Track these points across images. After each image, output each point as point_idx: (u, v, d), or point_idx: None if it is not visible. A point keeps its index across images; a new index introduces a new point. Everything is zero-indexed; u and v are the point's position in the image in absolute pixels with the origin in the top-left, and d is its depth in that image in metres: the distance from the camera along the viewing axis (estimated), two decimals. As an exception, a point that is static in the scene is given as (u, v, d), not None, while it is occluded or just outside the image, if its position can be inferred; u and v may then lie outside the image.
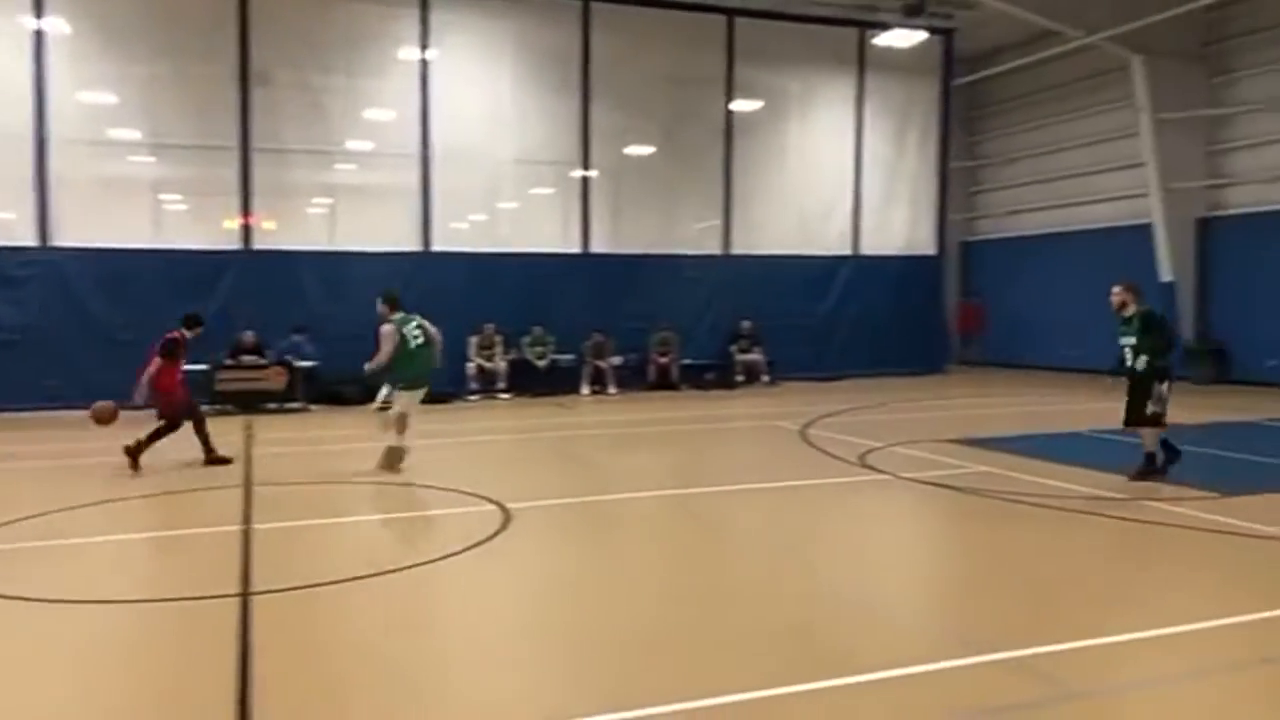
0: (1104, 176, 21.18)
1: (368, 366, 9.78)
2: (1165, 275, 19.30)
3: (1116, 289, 9.24)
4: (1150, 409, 8.98)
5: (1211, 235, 19.32)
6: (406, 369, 9.68)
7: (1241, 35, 18.75)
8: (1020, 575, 6.35)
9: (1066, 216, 22.19)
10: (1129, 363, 9.07)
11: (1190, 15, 18.49)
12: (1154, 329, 9.03)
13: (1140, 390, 8.99)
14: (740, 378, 19.07)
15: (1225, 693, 4.38)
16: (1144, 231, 19.58)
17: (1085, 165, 21.76)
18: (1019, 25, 19.40)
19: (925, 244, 21.77)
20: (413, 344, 9.65)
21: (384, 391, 10.60)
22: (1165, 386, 9.00)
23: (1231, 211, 18.94)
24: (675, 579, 6.26)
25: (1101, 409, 14.30)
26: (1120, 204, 20.60)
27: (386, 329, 9.61)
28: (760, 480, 9.48)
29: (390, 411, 9.81)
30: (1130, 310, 9.15)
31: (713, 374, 18.99)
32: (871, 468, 9.83)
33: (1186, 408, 14.77)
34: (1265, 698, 4.34)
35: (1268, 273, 17.38)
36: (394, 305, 9.83)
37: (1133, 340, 9.05)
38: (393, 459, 9.53)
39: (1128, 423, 9.20)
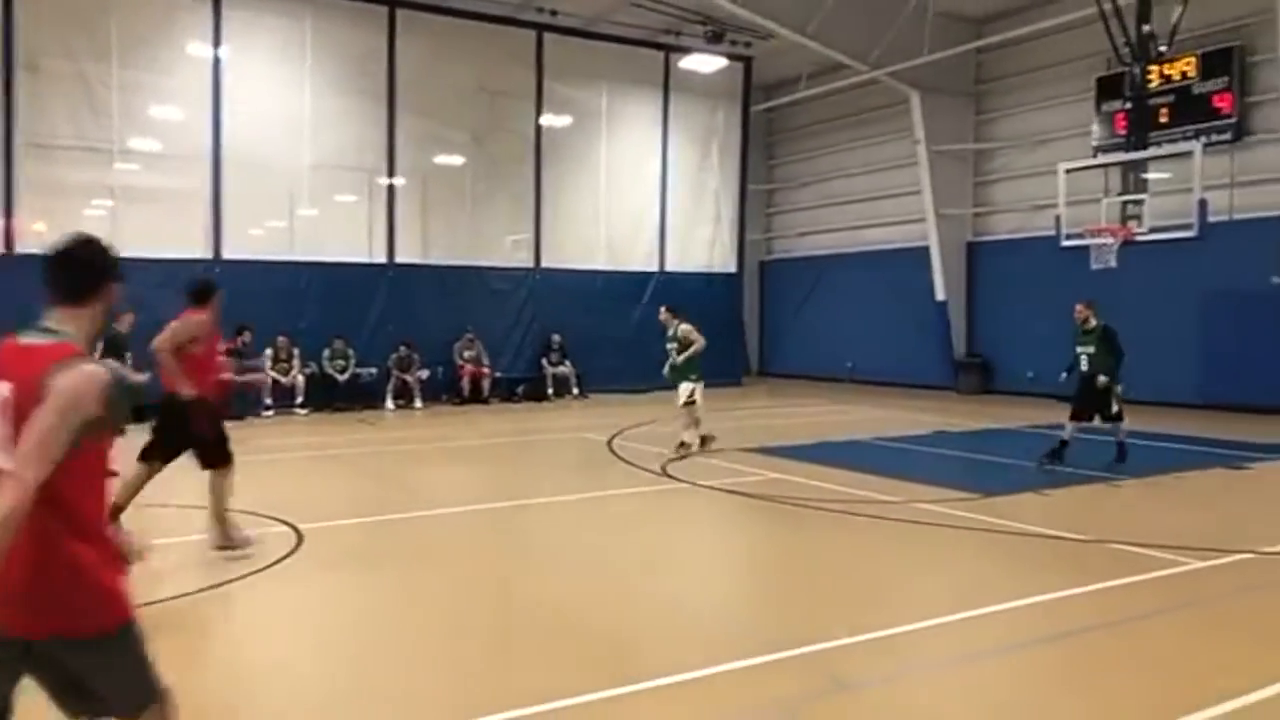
0: (887, 202, 22.80)
1: None
2: (940, 295, 21.00)
3: (1080, 305, 10.71)
4: (1115, 407, 10.48)
5: (978, 258, 21.20)
6: None
7: (1002, 78, 20.71)
8: (809, 576, 6.77)
9: (854, 238, 23.71)
10: (1085, 367, 10.56)
11: (962, 57, 20.28)
12: (1110, 340, 10.46)
13: (1101, 394, 10.38)
14: (551, 391, 19.20)
15: (990, 674, 4.86)
16: (922, 254, 21.23)
17: (870, 191, 23.35)
18: (813, 57, 20.62)
19: (726, 261, 22.70)
20: None
21: None
22: (1119, 388, 10.55)
23: (995, 237, 20.85)
24: (476, 594, 6.26)
25: (881, 417, 15.37)
26: (901, 228, 22.24)
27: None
28: (566, 492, 9.62)
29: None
30: (1092, 324, 10.56)
31: (524, 387, 19.04)
32: (673, 477, 10.17)
33: (957, 415, 16.17)
34: (1025, 677, 4.85)
35: (1025, 293, 19.21)
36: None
37: (1091, 349, 10.49)
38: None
39: (1073, 417, 10.65)
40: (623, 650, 5.08)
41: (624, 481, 10.10)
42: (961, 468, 11.63)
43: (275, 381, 16.24)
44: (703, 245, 22.55)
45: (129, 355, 10.06)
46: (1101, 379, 10.37)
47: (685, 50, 21.03)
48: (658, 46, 21.22)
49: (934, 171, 20.73)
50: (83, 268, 2.84)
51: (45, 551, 2.54)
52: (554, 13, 19.21)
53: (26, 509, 2.43)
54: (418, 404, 17.36)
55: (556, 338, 19.53)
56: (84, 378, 2.57)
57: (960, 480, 10.06)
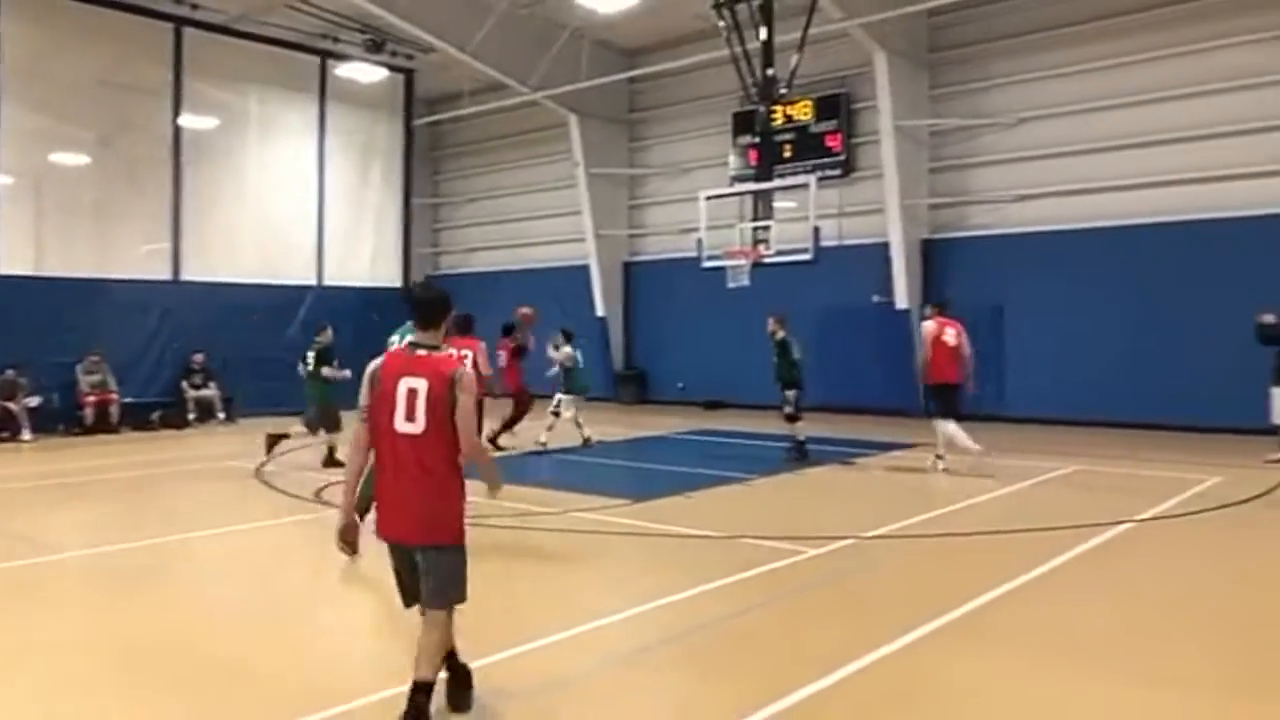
0: (551, 220, 23.46)
1: None
2: (600, 311, 21.95)
3: (771, 319, 12.45)
4: (788, 410, 12.35)
5: (634, 277, 22.43)
6: None
7: (653, 108, 22.09)
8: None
9: (521, 255, 24.14)
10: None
11: (617, 86, 21.40)
12: (785, 351, 12.38)
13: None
14: (193, 416, 17.65)
15: (645, 671, 5.12)
16: (584, 271, 22.07)
17: (536, 209, 23.91)
18: (475, 74, 20.77)
19: (390, 276, 22.19)
20: None
21: None
22: (794, 394, 12.39)
23: (649, 257, 22.17)
24: (101, 645, 5.60)
25: (538, 428, 15.70)
26: (565, 246, 22.98)
27: None
28: (201, 528, 8.87)
29: None
30: (779, 336, 12.38)
31: (161, 413, 17.33)
32: (327, 503, 9.73)
33: (616, 424, 16.95)
34: (677, 671, 5.16)
35: (676, 310, 20.61)
36: None
37: (775, 359, 12.48)
38: None
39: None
40: (260, 688, 4.78)
41: (274, 512, 9.52)
42: (617, 475, 12.22)
43: None
44: (365, 259, 21.91)
45: None
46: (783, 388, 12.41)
47: (343, 57, 20.36)
48: (313, 51, 20.34)
49: (593, 193, 21.66)
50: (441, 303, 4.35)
51: (440, 487, 4.21)
52: (194, 6, 17.80)
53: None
54: (26, 435, 15.21)
55: (199, 357, 18.00)
56: (472, 377, 4.20)
57: (616, 488, 10.57)
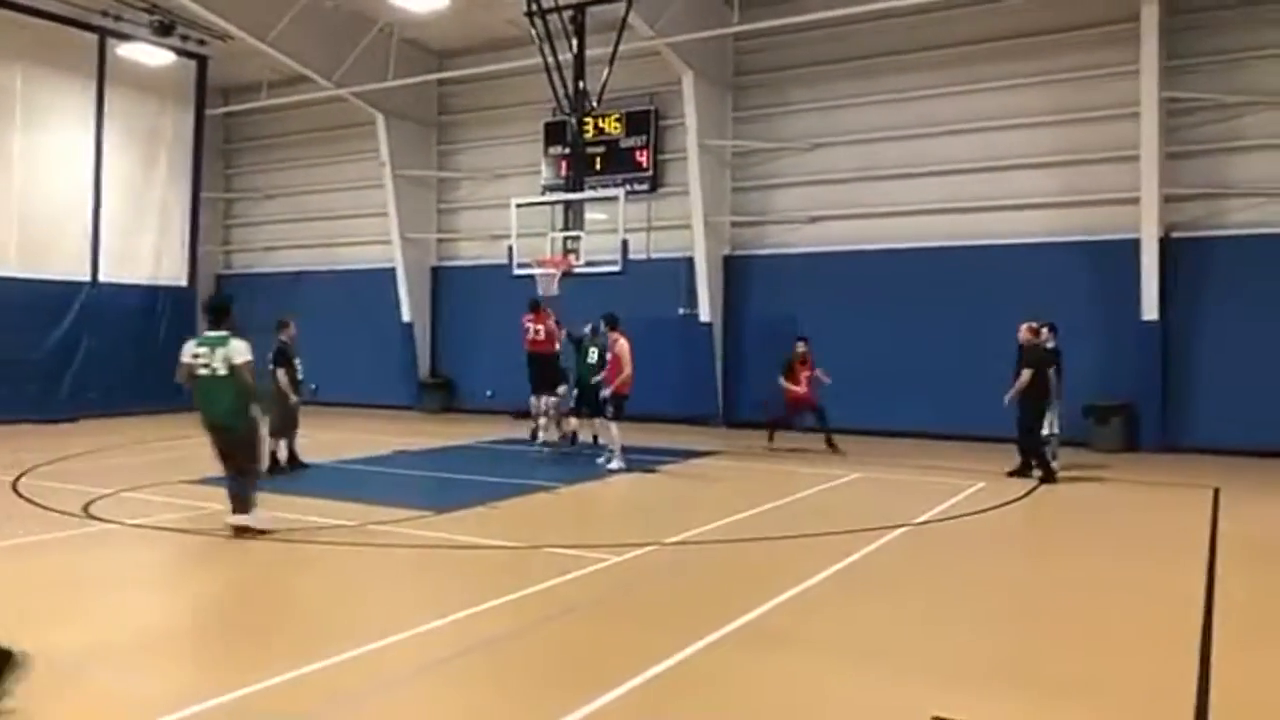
0: (355, 221, 22.68)
1: None
2: (406, 316, 21.40)
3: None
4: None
5: (442, 282, 22.01)
6: None
7: (463, 112, 21.80)
8: (250, 613, 6.40)
9: (324, 256, 23.19)
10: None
11: (425, 87, 20.98)
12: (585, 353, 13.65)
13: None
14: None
15: (434, 688, 4.98)
16: (390, 275, 21.46)
17: (340, 209, 23.04)
18: (275, 65, 19.79)
19: (175, 274, 20.75)
20: None
21: None
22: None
23: (458, 263, 21.84)
24: None
25: (343, 439, 15.17)
26: (371, 248, 22.27)
27: None
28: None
29: None
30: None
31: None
32: (96, 517, 8.98)
33: (419, 434, 16.57)
34: (468, 686, 5.04)
35: (484, 317, 20.37)
36: None
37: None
38: None
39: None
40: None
41: (33, 528, 8.67)
42: (418, 486, 11.94)
43: None
44: (147, 255, 20.37)
45: None
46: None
47: (125, 37, 18.90)
48: (90, 28, 18.77)
49: (400, 195, 21.12)
50: None
51: None
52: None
53: None
54: None
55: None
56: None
57: (416, 499, 10.32)
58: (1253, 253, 14.59)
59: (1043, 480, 11.75)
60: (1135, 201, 14.88)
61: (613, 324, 12.99)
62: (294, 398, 11.51)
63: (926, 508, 9.97)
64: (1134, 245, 14.90)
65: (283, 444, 11.64)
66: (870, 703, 4.81)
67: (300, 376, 11.73)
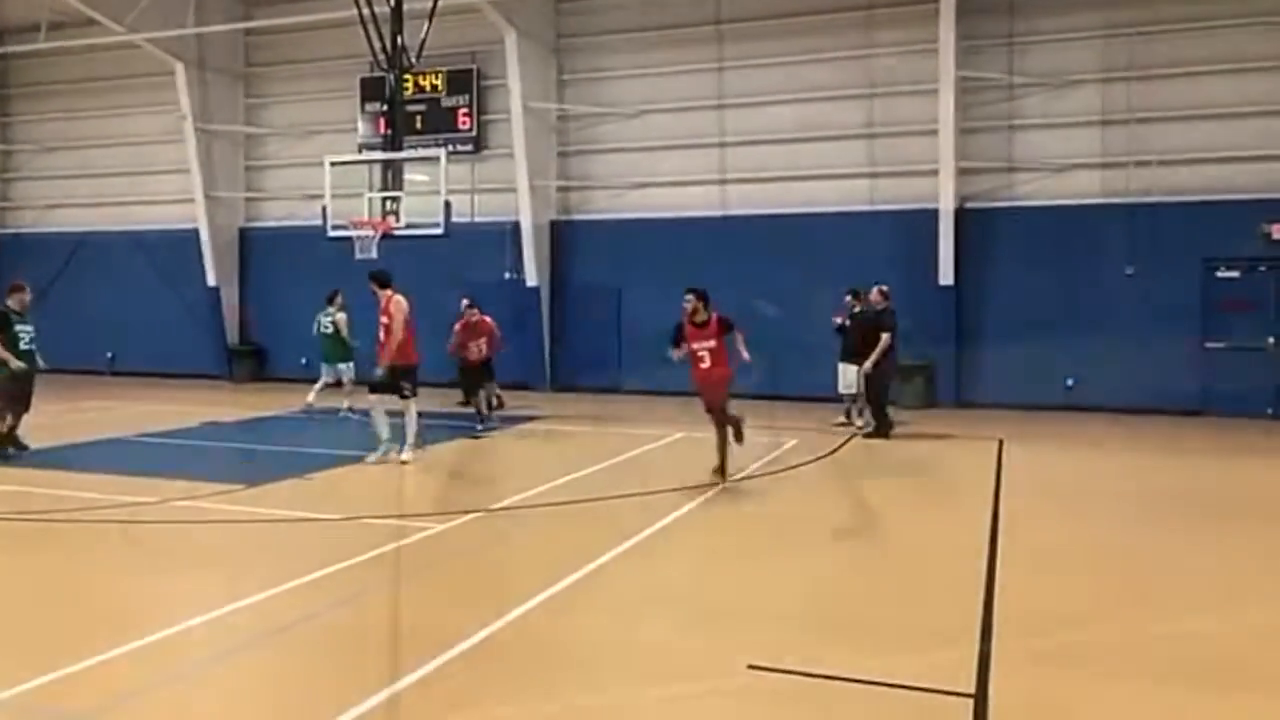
0: (153, 178, 21.10)
1: None
2: (211, 280, 20.19)
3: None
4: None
5: (251, 245, 20.86)
6: None
7: (273, 64, 20.61)
8: (40, 604, 5.94)
9: (117, 215, 21.46)
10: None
11: (231, 36, 19.69)
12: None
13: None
14: None
15: (241, 671, 4.78)
16: (193, 236, 20.15)
17: (135, 165, 21.33)
18: (56, 5, 18.03)
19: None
20: None
21: None
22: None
23: (268, 224, 20.72)
24: None
25: (146, 411, 14.28)
26: (171, 208, 20.80)
27: None
28: None
29: None
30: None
31: None
32: None
33: (229, 405, 15.77)
34: (280, 666, 4.87)
35: (298, 281, 19.40)
36: None
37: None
38: None
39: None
40: None
41: None
42: (229, 459, 11.39)
43: None
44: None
45: None
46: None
47: None
48: None
49: (203, 151, 19.81)
50: None
51: None
52: None
53: None
54: None
55: None
56: None
57: (226, 473, 9.84)
58: (1036, 223, 15.83)
59: (879, 433, 12.52)
60: (935, 174, 15.84)
61: (383, 282, 10.73)
62: (15, 365, 10.45)
63: (744, 465, 10.35)
64: (934, 215, 15.88)
65: (9, 417, 10.69)
66: (686, 650, 4.99)
67: (29, 346, 10.68)
